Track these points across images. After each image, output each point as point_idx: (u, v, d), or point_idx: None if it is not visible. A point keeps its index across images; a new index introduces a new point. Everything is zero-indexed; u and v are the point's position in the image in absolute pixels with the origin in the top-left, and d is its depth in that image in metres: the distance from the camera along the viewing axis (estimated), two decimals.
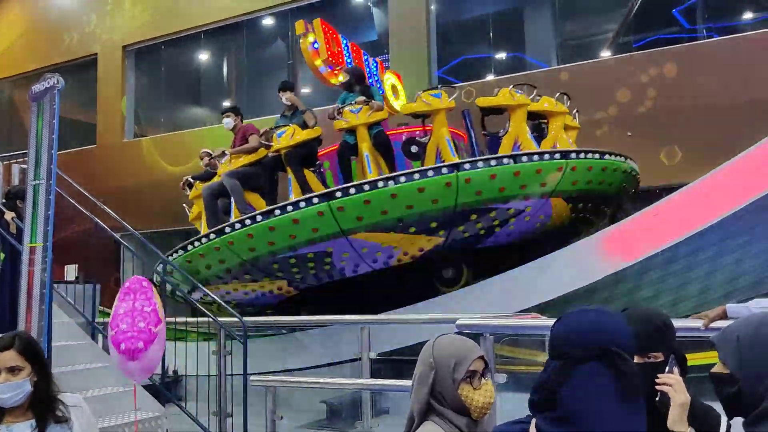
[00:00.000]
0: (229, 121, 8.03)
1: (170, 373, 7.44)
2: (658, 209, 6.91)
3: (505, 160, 6.83)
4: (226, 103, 16.02)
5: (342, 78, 7.98)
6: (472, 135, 8.57)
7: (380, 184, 6.68)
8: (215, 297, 6.44)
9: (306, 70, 15.51)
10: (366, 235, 6.85)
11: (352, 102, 7.42)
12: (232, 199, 7.59)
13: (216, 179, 7.95)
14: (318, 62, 8.54)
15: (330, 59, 8.60)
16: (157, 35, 15.86)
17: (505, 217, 7.16)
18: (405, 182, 6.67)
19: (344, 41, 9.01)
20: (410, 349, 7.39)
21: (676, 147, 10.00)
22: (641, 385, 1.63)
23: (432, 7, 12.94)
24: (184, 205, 9.16)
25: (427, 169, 6.78)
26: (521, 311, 6.22)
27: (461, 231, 7.16)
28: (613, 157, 7.64)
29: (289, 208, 6.80)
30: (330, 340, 7.51)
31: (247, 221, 6.98)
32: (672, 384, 2.00)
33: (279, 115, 8.24)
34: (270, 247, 7.00)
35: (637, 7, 11.62)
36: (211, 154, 8.75)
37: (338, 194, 6.68)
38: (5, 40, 18.41)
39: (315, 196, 6.79)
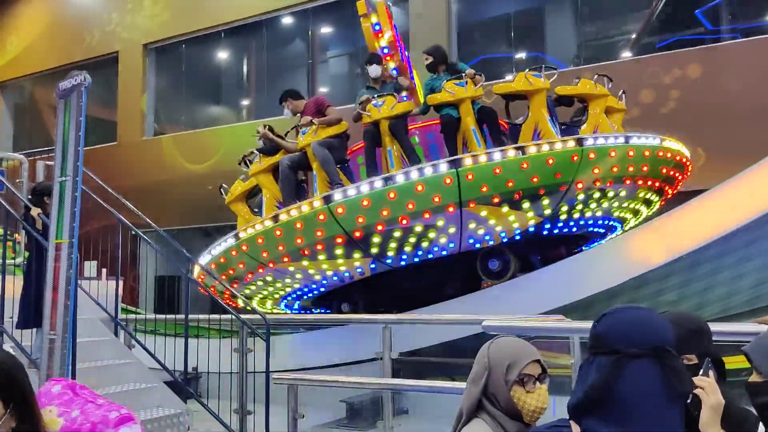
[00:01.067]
0: (286, 112, 7.95)
1: (190, 370, 7.46)
2: (683, 212, 6.84)
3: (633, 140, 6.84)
4: (245, 102, 16.09)
5: (424, 60, 7.71)
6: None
7: (511, 153, 6.44)
8: (236, 293, 6.44)
9: (324, 70, 15.62)
10: (479, 208, 6.58)
11: (461, 77, 7.20)
12: (317, 173, 7.29)
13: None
14: (378, 44, 8.38)
15: (392, 42, 8.47)
16: (178, 33, 15.95)
17: (599, 197, 7.07)
18: (535, 152, 6.49)
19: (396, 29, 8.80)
20: (429, 350, 7.40)
21: (700, 149, 9.89)
22: (689, 384, 1.63)
23: (453, 7, 12.89)
24: (224, 185, 8.51)
25: (553, 141, 6.60)
26: (544, 313, 6.18)
27: (561, 212, 6.97)
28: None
29: (414, 174, 6.46)
30: (348, 339, 7.51)
31: (364, 187, 6.55)
32: (704, 386, 1.98)
33: (364, 87, 7.96)
34: (382, 217, 6.55)
35: (660, 8, 11.52)
36: (260, 131, 8.15)
37: (467, 161, 6.39)
38: (27, 38, 18.59)
39: (442, 163, 6.53)
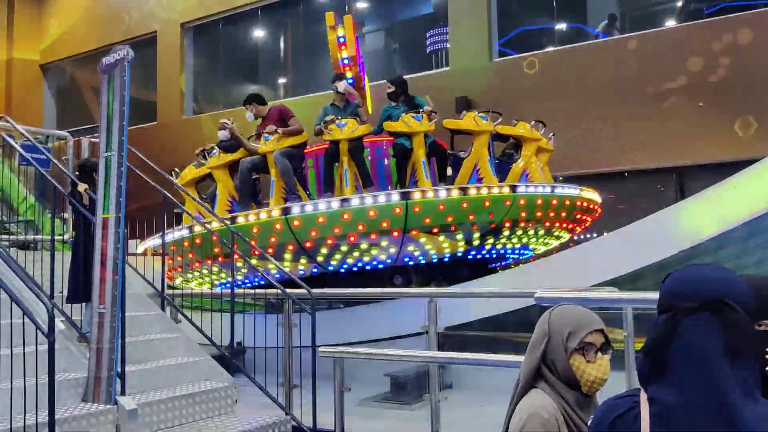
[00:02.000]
0: (249, 115, 8.36)
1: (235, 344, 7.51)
2: (735, 182, 6.62)
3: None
4: (282, 79, 16.06)
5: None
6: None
7: (454, 192, 7.29)
8: (285, 270, 6.44)
9: (362, 42, 15.46)
10: (420, 234, 7.32)
11: (418, 112, 7.85)
12: (275, 180, 7.80)
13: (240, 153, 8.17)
14: (339, 55, 9.14)
15: (353, 56, 9.27)
16: (215, 12, 15.96)
17: (521, 234, 8.08)
18: (474, 194, 7.37)
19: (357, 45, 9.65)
20: (471, 325, 7.34)
21: (752, 117, 9.57)
22: (755, 341, 1.49)
23: None
24: (176, 169, 8.77)
25: (491, 186, 7.57)
26: (592, 287, 6.05)
27: (487, 243, 7.89)
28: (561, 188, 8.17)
29: (369, 200, 7.19)
30: (391, 314, 7.49)
31: (321, 205, 7.28)
32: None
33: (330, 105, 8.39)
34: (333, 233, 7.22)
35: None
36: (228, 124, 8.50)
37: (417, 195, 7.19)
38: (67, 20, 18.82)
39: (394, 194, 7.27)
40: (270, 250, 7.32)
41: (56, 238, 5.81)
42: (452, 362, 5.76)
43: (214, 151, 8.30)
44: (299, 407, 5.72)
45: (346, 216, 6.99)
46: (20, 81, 19.05)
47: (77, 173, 5.75)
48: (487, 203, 7.36)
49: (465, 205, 7.27)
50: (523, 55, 11.70)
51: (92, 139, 8.10)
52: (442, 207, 7.19)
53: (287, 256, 7.48)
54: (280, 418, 5.44)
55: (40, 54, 19.44)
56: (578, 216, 8.51)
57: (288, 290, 5.93)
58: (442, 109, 12.62)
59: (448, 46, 13.14)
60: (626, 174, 11.26)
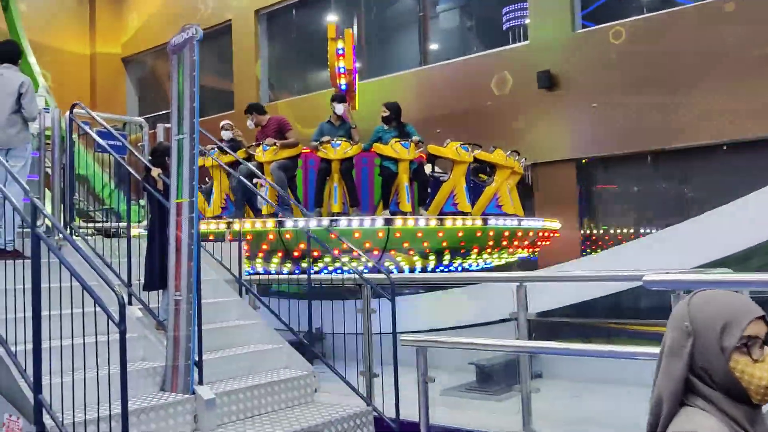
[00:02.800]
0: (250, 123, 8.98)
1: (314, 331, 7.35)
2: None
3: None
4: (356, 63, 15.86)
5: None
6: None
7: (432, 222, 7.93)
8: (362, 253, 6.19)
9: (434, 25, 15.09)
10: (397, 254, 8.00)
11: (407, 139, 8.52)
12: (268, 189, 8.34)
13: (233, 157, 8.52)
14: (337, 63, 10.24)
15: (349, 69, 10.33)
16: None
17: (486, 256, 9.01)
18: (450, 225, 7.98)
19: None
20: (556, 312, 6.92)
21: None
22: None
23: None
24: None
25: (465, 218, 8.23)
26: (699, 267, 5.54)
27: (455, 261, 8.59)
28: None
29: (355, 223, 7.82)
30: (476, 300, 7.16)
31: (312, 222, 7.55)
32: None
33: (326, 122, 8.96)
34: (321, 247, 7.38)
35: None
36: (232, 126, 9.41)
37: (398, 222, 7.83)
38: (145, 14, 19.20)
39: (379, 219, 7.87)
40: (260, 254, 8.00)
41: (134, 225, 5.74)
42: (549, 352, 5.35)
43: (213, 151, 8.56)
44: (380, 397, 5.49)
45: (332, 236, 7.22)
46: (104, 74, 19.60)
47: (150, 158, 5.66)
48: (460, 234, 8.03)
49: (440, 234, 7.95)
50: (608, 24, 11.02)
51: (167, 125, 8.09)
52: (420, 234, 7.90)
53: (275, 260, 8.12)
54: (361, 408, 5.20)
55: (122, 47, 19.93)
56: (539, 242, 9.69)
57: (366, 275, 5.67)
58: (523, 84, 12.19)
59: (528, 20, 12.57)
60: (724, 147, 10.46)
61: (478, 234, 8.17)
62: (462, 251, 8.32)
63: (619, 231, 11.30)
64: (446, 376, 6.32)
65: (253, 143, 8.89)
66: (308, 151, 8.96)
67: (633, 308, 6.93)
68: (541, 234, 9.42)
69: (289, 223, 7.72)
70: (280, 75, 17.16)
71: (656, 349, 1.54)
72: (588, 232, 11.51)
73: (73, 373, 3.57)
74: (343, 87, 10.16)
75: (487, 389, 6.29)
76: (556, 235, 9.95)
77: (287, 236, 7.76)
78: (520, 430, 4.88)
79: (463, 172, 8.69)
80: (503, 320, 7.06)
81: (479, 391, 6.31)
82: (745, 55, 9.75)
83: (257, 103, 9.50)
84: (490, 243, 8.40)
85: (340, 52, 10.24)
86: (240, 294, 6.35)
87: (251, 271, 8.21)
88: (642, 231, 10.95)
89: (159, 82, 19.38)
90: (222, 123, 9.45)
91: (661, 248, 6.16)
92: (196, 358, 4.61)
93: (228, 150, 8.35)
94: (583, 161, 11.49)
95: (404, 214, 8.15)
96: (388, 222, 7.76)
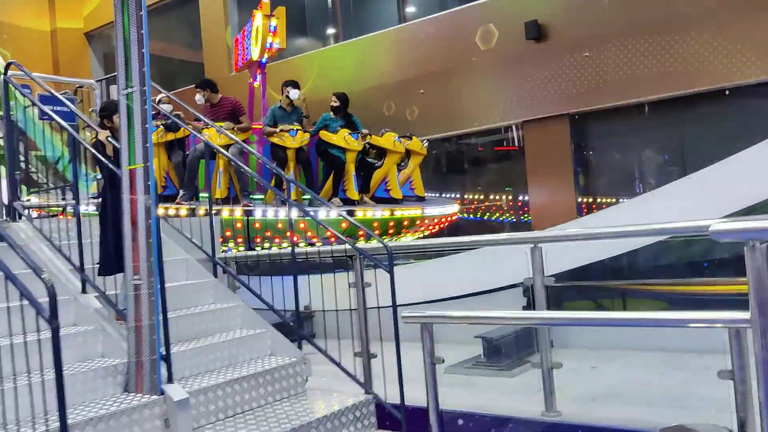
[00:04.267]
0: (199, 97, 9.02)
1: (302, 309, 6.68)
2: None
3: None
4: (331, 29, 15.07)
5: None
6: None
7: (385, 213, 9.01)
8: (354, 221, 5.48)
9: None
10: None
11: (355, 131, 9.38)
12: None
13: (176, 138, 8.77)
14: (267, 40, 10.72)
15: (282, 46, 10.95)
16: None
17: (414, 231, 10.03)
18: (399, 215, 9.25)
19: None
20: (563, 275, 6.29)
21: None
22: None
23: None
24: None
25: (409, 207, 9.65)
26: (727, 216, 4.89)
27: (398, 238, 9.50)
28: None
29: (321, 214, 7.77)
30: (479, 266, 6.52)
31: (281, 213, 8.23)
32: None
33: (278, 107, 9.28)
34: (282, 233, 8.17)
35: None
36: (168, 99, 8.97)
37: (359, 213, 8.67)
38: None
39: (332, 210, 7.86)
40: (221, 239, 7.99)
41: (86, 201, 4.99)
42: (582, 324, 4.66)
43: (156, 128, 8.25)
44: (379, 379, 4.82)
45: (301, 225, 7.73)
46: (66, 50, 18.70)
47: (99, 120, 4.88)
48: (406, 223, 9.25)
49: (392, 223, 9.07)
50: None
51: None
52: (376, 224, 8.81)
53: (231, 244, 8.38)
54: (360, 397, 4.55)
55: (84, 21, 18.93)
56: (444, 222, 10.58)
57: (360, 245, 4.98)
58: (509, 36, 11.46)
59: None
60: (726, 92, 9.84)
61: (418, 222, 9.56)
62: (405, 231, 9.40)
63: (618, 190, 10.68)
64: (451, 352, 5.66)
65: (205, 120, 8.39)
66: (256, 126, 9.44)
67: (651, 267, 6.32)
68: (450, 217, 10.55)
69: (258, 213, 8.09)
70: None
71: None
72: (584, 193, 10.89)
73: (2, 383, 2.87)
74: (264, 61, 10.95)
75: (496, 364, 5.66)
76: (456, 218, 10.84)
77: (257, 226, 8.16)
78: (543, 412, 4.26)
79: (395, 160, 9.81)
80: (508, 287, 6.47)
81: (488, 367, 5.68)
82: None
83: (211, 80, 9.43)
84: (426, 222, 9.68)
85: (273, 29, 10.78)
86: (215, 274, 5.62)
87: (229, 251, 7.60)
88: (643, 188, 10.34)
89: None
90: (159, 96, 8.77)
91: (687, 195, 5.52)
92: (163, 352, 3.93)
93: (182, 124, 7.61)
94: (576, 116, 10.82)
95: (353, 202, 9.06)
96: (351, 214, 8.21)
